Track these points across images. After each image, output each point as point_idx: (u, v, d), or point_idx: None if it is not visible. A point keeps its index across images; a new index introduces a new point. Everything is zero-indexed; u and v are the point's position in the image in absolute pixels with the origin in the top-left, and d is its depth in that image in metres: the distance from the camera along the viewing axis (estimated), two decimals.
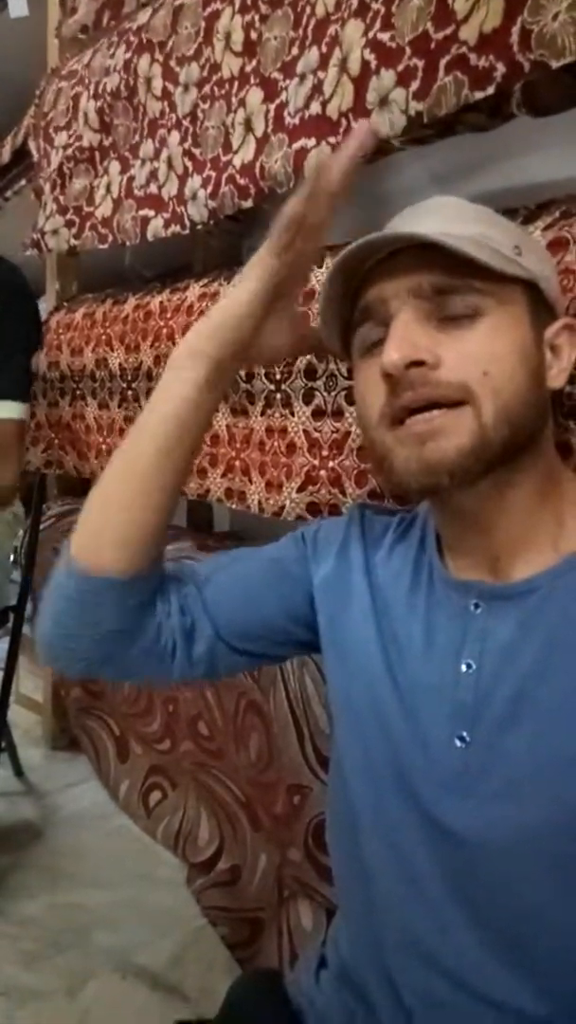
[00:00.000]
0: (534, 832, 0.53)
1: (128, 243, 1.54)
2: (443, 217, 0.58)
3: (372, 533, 0.70)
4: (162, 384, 0.64)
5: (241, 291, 0.62)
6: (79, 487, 1.94)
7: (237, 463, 1.24)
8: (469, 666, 0.57)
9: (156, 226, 1.44)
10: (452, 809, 0.56)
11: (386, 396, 0.55)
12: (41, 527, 1.77)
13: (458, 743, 0.57)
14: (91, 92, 1.62)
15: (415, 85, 0.88)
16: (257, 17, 1.19)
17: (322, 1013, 0.68)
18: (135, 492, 0.63)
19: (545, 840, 0.53)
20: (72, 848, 1.60)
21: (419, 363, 0.53)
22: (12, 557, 1.91)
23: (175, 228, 1.40)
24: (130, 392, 1.51)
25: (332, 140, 1.03)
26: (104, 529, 0.63)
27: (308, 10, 1.08)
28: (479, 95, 0.80)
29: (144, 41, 1.46)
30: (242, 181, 1.21)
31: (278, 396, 1.15)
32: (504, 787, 0.54)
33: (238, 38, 1.23)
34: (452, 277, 0.54)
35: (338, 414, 1.04)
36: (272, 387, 1.16)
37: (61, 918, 1.39)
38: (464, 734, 0.57)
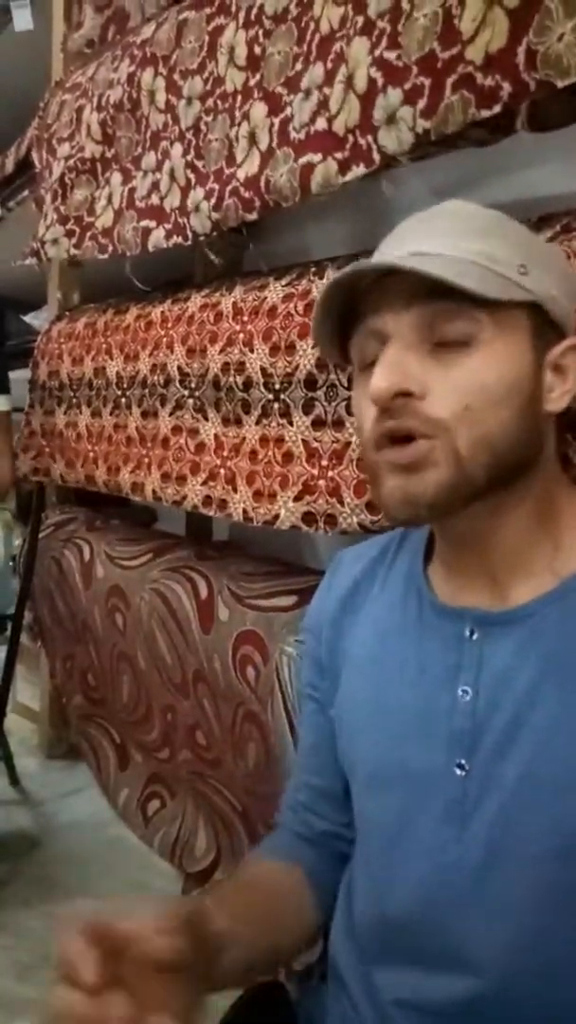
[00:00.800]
0: (531, 859, 0.53)
1: (128, 253, 1.55)
2: (448, 230, 0.56)
3: (356, 578, 0.70)
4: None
5: None
6: (76, 495, 1.94)
7: (221, 471, 1.25)
8: (465, 692, 0.57)
9: (157, 237, 1.45)
10: (450, 838, 0.56)
11: (375, 419, 0.55)
12: (39, 535, 1.78)
13: (457, 771, 0.56)
14: (94, 104, 1.63)
15: (422, 103, 0.89)
16: (261, 32, 1.21)
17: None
18: None
19: (542, 866, 0.52)
20: (68, 858, 1.60)
21: (406, 393, 0.53)
22: (11, 565, 1.91)
23: (177, 239, 1.41)
24: (123, 399, 1.51)
25: (338, 156, 1.04)
26: None
27: (312, 26, 1.10)
28: (486, 113, 0.82)
29: (148, 55, 1.48)
30: (246, 194, 1.22)
31: (276, 406, 1.15)
32: (501, 814, 0.54)
33: (241, 52, 1.24)
34: (448, 300, 0.52)
35: (339, 424, 1.05)
36: (271, 396, 1.16)
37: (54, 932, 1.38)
38: (463, 762, 0.56)
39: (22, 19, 2.03)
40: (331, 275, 1.10)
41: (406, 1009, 0.59)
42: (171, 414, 1.37)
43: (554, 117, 0.91)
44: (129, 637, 1.52)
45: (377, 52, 0.96)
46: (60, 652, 1.89)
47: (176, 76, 1.41)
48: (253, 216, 1.23)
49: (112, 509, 1.92)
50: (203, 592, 1.32)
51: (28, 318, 2.26)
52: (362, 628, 0.67)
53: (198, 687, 1.34)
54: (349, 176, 1.03)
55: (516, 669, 0.55)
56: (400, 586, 0.65)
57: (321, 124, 1.07)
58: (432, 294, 0.52)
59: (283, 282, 1.20)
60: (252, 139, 1.22)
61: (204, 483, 1.28)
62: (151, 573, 1.45)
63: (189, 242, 1.40)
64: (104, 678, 1.70)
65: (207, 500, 1.27)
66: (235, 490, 1.21)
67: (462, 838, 0.56)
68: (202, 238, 1.37)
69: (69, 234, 1.72)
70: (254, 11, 1.21)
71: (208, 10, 1.33)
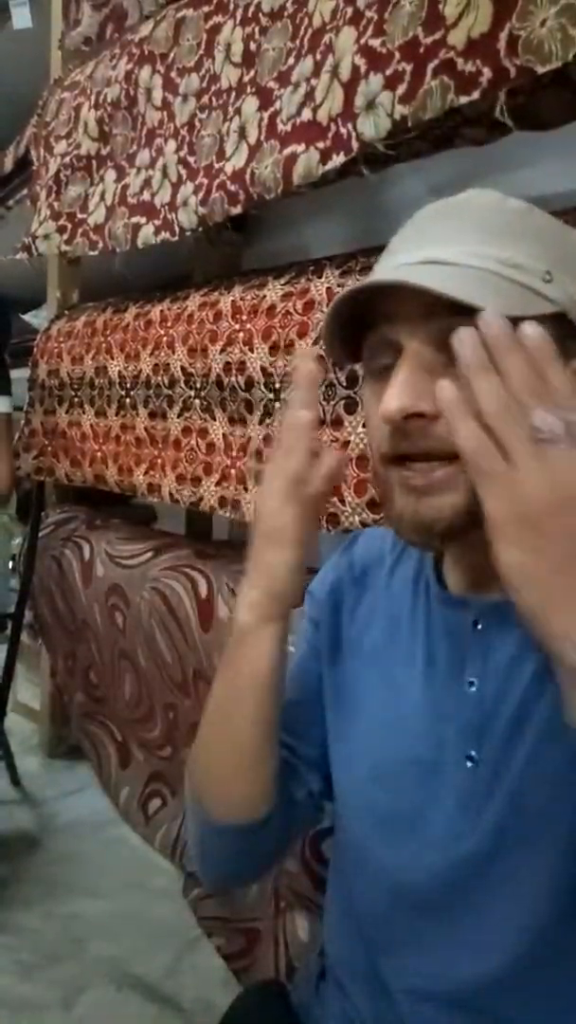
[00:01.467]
0: (539, 846, 0.53)
1: (119, 249, 1.54)
2: (469, 230, 0.52)
3: (366, 563, 0.69)
4: (235, 655, 0.60)
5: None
6: (76, 494, 1.94)
7: (232, 471, 1.25)
8: (472, 684, 0.57)
9: (147, 233, 1.45)
10: (465, 829, 0.56)
11: (387, 436, 0.53)
12: (39, 534, 1.78)
13: (468, 763, 0.57)
14: (92, 102, 1.63)
15: (402, 89, 0.88)
16: (257, 29, 1.20)
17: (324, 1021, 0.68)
18: (243, 759, 0.62)
19: (549, 853, 0.53)
20: (69, 857, 1.60)
21: (419, 414, 0.51)
22: (11, 564, 1.91)
23: (165, 235, 1.40)
24: (128, 400, 1.51)
25: (320, 145, 1.03)
26: (227, 786, 0.63)
27: (306, 21, 1.09)
28: (464, 100, 0.80)
29: (146, 52, 1.47)
30: (232, 187, 1.22)
31: (277, 405, 1.15)
32: (509, 803, 0.54)
33: (238, 49, 1.24)
34: (466, 315, 0.48)
35: (337, 423, 1.05)
36: (271, 396, 1.16)
37: (57, 928, 1.38)
38: (473, 753, 0.56)
39: (21, 17, 2.03)
40: (329, 274, 1.10)
41: (415, 998, 0.59)
42: (179, 415, 1.37)
43: (550, 117, 0.90)
44: (129, 636, 1.52)
45: (363, 40, 0.95)
46: (61, 650, 1.89)
47: (173, 74, 1.41)
48: (238, 209, 1.22)
49: (112, 508, 1.92)
50: (203, 591, 1.32)
51: (28, 317, 2.26)
52: (369, 617, 0.67)
53: (199, 686, 1.34)
54: (329, 165, 1.01)
55: (521, 659, 0.55)
56: (409, 578, 0.65)
57: (307, 115, 1.06)
58: (449, 307, 0.49)
59: (282, 281, 1.20)
60: (242, 134, 1.21)
61: (218, 483, 1.28)
62: (151, 572, 1.45)
63: (176, 238, 1.39)
64: (106, 676, 1.70)
65: (222, 500, 1.27)
66: (246, 489, 1.21)
67: (476, 828, 0.56)
68: (189, 233, 1.36)
69: (61, 230, 1.71)
70: (251, 8, 1.21)
71: (206, 8, 1.33)
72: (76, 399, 1.68)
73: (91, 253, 1.63)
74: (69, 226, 1.69)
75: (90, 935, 1.36)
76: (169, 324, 1.40)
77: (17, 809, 1.78)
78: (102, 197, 1.60)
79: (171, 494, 1.39)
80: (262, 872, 0.70)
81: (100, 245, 1.59)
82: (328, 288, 1.08)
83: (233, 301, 1.26)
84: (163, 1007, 1.21)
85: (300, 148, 1.06)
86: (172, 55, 1.41)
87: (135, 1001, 1.22)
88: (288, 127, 1.10)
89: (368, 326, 0.55)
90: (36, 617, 1.91)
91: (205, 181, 1.29)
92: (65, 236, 1.70)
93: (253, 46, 1.22)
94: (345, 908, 0.67)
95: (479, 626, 0.58)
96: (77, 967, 1.29)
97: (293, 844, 0.72)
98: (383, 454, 0.54)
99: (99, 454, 1.61)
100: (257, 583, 0.59)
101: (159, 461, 1.43)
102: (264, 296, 1.20)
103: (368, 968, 0.63)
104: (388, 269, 0.54)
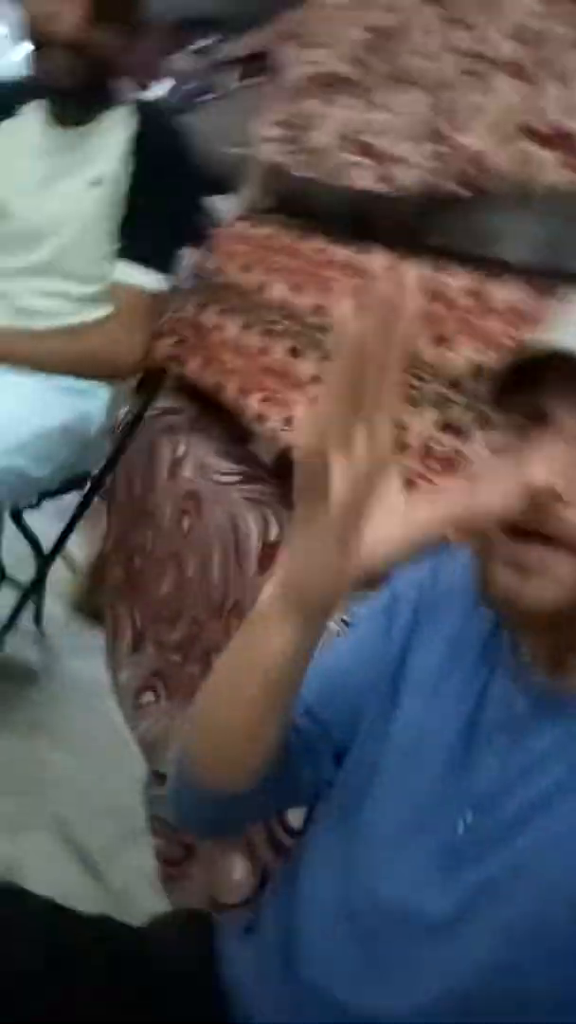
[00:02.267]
0: (491, 940, 0.53)
1: (327, 181, 1.51)
2: None
3: (454, 581, 0.67)
4: (246, 639, 0.56)
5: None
6: (190, 390, 1.94)
7: None
8: (496, 758, 0.57)
9: (362, 177, 1.42)
10: (435, 880, 0.57)
11: (519, 504, 0.52)
12: (145, 414, 1.81)
13: (460, 825, 0.57)
14: (357, 23, 1.58)
15: None
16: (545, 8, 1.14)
17: (239, 978, 0.68)
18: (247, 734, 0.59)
19: (497, 952, 0.53)
20: (56, 707, 1.67)
21: (557, 496, 0.50)
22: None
23: (382, 186, 1.37)
24: (277, 327, 1.50)
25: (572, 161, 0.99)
26: (216, 758, 0.62)
27: None
28: None
29: None
30: (471, 170, 1.18)
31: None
32: (480, 890, 0.55)
33: (515, 20, 1.18)
34: None
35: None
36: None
37: (20, 765, 1.45)
38: (468, 819, 0.57)
39: None
40: (512, 282, 1.06)
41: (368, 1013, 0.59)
42: (319, 361, 1.36)
43: None
44: (188, 542, 1.56)
45: None
46: (119, 523, 1.94)
47: (448, 23, 1.35)
48: (466, 193, 1.19)
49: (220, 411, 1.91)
50: (273, 535, 1.33)
51: (218, 200, 2.22)
52: (426, 649, 0.66)
53: (231, 617, 1.38)
54: None
55: (553, 756, 0.55)
56: (493, 619, 0.63)
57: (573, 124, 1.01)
58: None
59: (466, 269, 1.16)
60: (493, 114, 1.17)
61: None
62: (232, 495, 1.47)
63: (393, 192, 1.36)
64: (150, 568, 1.75)
65: None
66: None
67: (445, 888, 0.56)
68: (404, 194, 1.33)
69: (282, 139, 1.68)
70: None
71: None
72: (229, 304, 1.68)
73: (303, 175, 1.60)
74: (290, 136, 1.65)
75: (48, 785, 1.43)
76: (344, 271, 1.38)
77: (29, 644, 1.85)
78: (331, 122, 1.56)
79: (274, 433, 1.39)
80: (235, 835, 0.72)
81: (312, 170, 1.56)
82: (510, 299, 1.05)
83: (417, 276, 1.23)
84: (94, 879, 1.28)
85: (556, 156, 1.03)
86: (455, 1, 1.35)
87: (72, 863, 1.29)
88: (545, 128, 1.06)
89: (512, 380, 0.54)
90: (111, 486, 1.96)
91: (445, 150, 1.24)
92: (285, 148, 1.67)
93: (536, 24, 1.16)
94: (291, 899, 0.68)
95: (525, 708, 0.58)
96: (26, 807, 1.36)
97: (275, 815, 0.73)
98: (505, 521, 0.53)
99: (228, 366, 1.61)
100: (281, 571, 0.53)
101: (279, 395, 1.43)
102: (448, 283, 1.17)
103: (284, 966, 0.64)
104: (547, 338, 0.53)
